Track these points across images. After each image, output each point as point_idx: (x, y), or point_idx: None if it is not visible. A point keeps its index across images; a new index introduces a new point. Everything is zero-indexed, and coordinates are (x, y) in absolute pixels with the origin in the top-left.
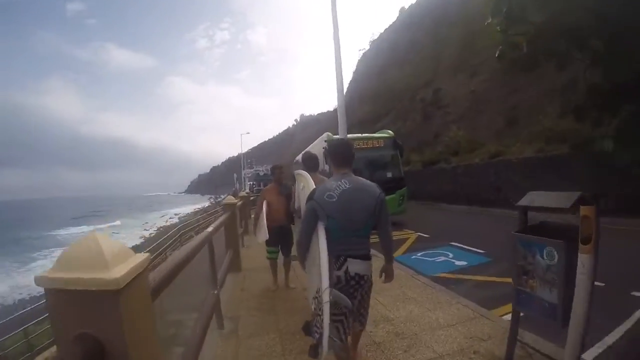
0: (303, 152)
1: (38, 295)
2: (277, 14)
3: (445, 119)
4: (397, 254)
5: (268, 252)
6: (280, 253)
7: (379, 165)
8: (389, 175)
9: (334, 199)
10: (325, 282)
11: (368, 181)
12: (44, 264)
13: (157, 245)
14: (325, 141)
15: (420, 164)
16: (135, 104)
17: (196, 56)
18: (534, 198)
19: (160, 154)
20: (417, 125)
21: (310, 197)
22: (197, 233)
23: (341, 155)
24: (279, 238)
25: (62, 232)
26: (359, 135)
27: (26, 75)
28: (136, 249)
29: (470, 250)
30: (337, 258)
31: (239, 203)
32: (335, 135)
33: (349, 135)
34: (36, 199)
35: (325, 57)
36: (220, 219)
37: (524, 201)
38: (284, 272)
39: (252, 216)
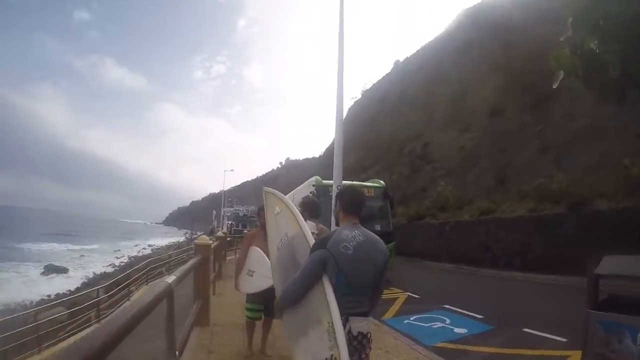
0: (303, 197)
1: None
2: (275, 52)
3: (433, 174)
4: (387, 316)
5: (249, 310)
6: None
7: (368, 216)
8: (378, 227)
9: (350, 252)
10: (345, 353)
11: (375, 235)
12: (5, 277)
13: (124, 277)
14: (314, 185)
15: (405, 217)
16: (124, 123)
17: (191, 86)
18: (616, 265)
19: (141, 180)
20: (404, 178)
21: (322, 245)
22: (167, 270)
23: (354, 203)
24: (265, 294)
25: (32, 247)
26: (349, 182)
27: (19, 75)
28: (105, 276)
29: (468, 315)
30: None
31: (214, 244)
32: (325, 180)
33: (329, 182)
34: (8, 206)
35: (316, 104)
36: (190, 263)
37: (602, 268)
38: (261, 334)
39: (229, 258)
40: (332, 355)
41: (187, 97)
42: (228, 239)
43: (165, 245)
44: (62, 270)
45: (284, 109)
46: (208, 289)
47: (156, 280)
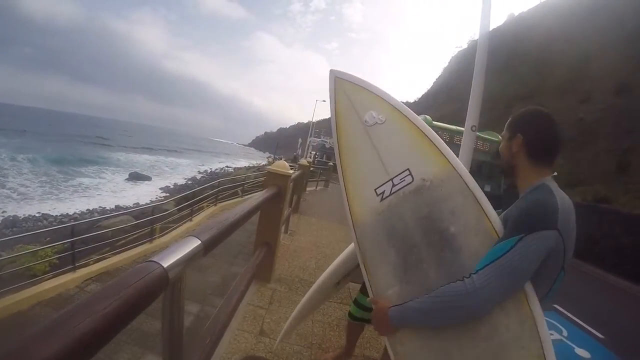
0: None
1: None
2: None
3: None
4: None
5: (357, 305)
6: None
7: (476, 174)
8: (487, 189)
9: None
10: None
11: None
12: (86, 182)
13: (192, 193)
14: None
15: (505, 183)
16: (219, 50)
17: (289, 18)
18: None
19: (233, 103)
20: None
21: (550, 222)
22: (242, 191)
23: (555, 143)
24: None
25: (121, 156)
26: (456, 127)
27: (119, 3)
28: (184, 187)
29: (585, 328)
30: None
31: (296, 173)
32: (435, 122)
33: (445, 125)
34: (112, 119)
35: (414, 50)
36: (252, 201)
37: None
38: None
39: (309, 189)
40: None
41: (285, 29)
42: (311, 169)
43: (246, 167)
44: (146, 178)
45: (381, 51)
46: (277, 234)
47: (142, 264)
